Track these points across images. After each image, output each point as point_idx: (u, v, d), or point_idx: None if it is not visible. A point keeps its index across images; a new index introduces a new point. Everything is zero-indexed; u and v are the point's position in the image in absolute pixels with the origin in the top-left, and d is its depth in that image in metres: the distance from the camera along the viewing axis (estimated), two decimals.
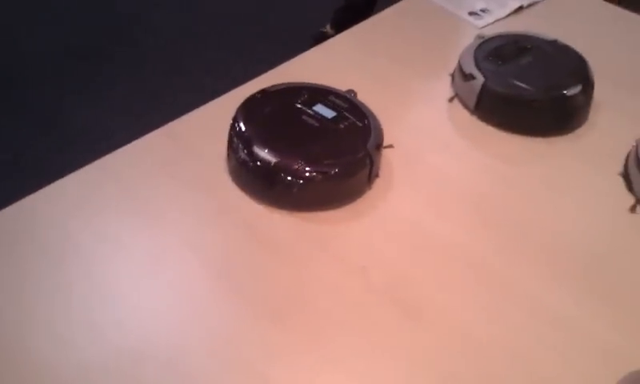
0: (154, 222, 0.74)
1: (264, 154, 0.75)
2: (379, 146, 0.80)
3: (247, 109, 0.82)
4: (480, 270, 0.72)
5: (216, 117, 0.83)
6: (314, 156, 0.76)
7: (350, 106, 0.84)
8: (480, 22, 1.14)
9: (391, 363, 0.62)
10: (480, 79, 0.91)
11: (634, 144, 0.84)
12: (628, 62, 1.07)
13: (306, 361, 0.62)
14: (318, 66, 1.01)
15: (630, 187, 0.83)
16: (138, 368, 0.59)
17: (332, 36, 1.12)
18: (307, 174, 0.75)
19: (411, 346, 0.64)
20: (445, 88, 0.98)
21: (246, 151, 0.76)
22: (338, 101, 0.84)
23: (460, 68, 0.95)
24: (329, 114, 0.82)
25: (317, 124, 0.80)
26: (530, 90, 0.89)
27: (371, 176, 0.80)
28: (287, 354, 0.62)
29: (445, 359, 0.63)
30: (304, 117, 0.81)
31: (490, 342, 0.64)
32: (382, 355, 0.63)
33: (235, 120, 0.80)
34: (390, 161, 0.84)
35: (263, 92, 0.84)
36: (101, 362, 0.60)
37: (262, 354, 0.62)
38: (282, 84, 0.86)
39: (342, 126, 0.81)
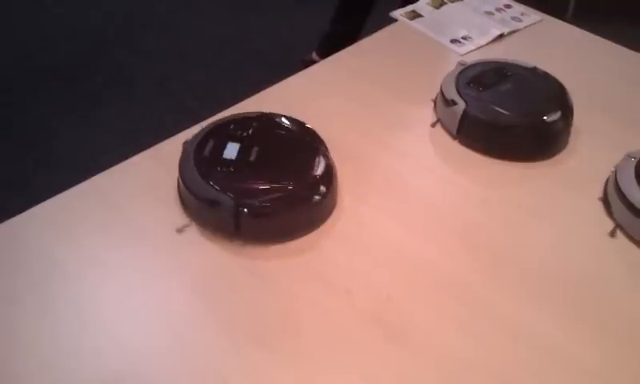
0: (139, 248, 0.74)
1: (217, 197, 0.74)
2: (326, 155, 0.81)
3: (189, 155, 0.80)
4: (461, 292, 0.72)
5: None
6: (267, 186, 0.75)
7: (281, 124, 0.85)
8: (461, 49, 1.16)
9: None
10: (461, 105, 0.92)
11: (613, 169, 0.86)
12: (607, 89, 1.09)
13: None
14: (301, 90, 1.02)
15: (609, 212, 0.84)
16: None
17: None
18: (262, 207, 0.74)
19: (396, 368, 0.64)
20: (427, 113, 1.00)
21: (201, 196, 0.76)
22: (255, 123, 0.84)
23: (442, 94, 0.97)
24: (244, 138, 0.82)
25: (257, 152, 0.80)
26: (511, 115, 0.91)
27: (334, 184, 0.80)
28: (271, 378, 0.62)
29: (429, 382, 0.63)
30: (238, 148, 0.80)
31: (473, 364, 0.65)
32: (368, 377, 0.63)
33: (180, 169, 0.79)
34: (373, 183, 0.86)
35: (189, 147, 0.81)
36: None
37: (245, 378, 0.62)
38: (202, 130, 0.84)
39: (285, 145, 0.82)
